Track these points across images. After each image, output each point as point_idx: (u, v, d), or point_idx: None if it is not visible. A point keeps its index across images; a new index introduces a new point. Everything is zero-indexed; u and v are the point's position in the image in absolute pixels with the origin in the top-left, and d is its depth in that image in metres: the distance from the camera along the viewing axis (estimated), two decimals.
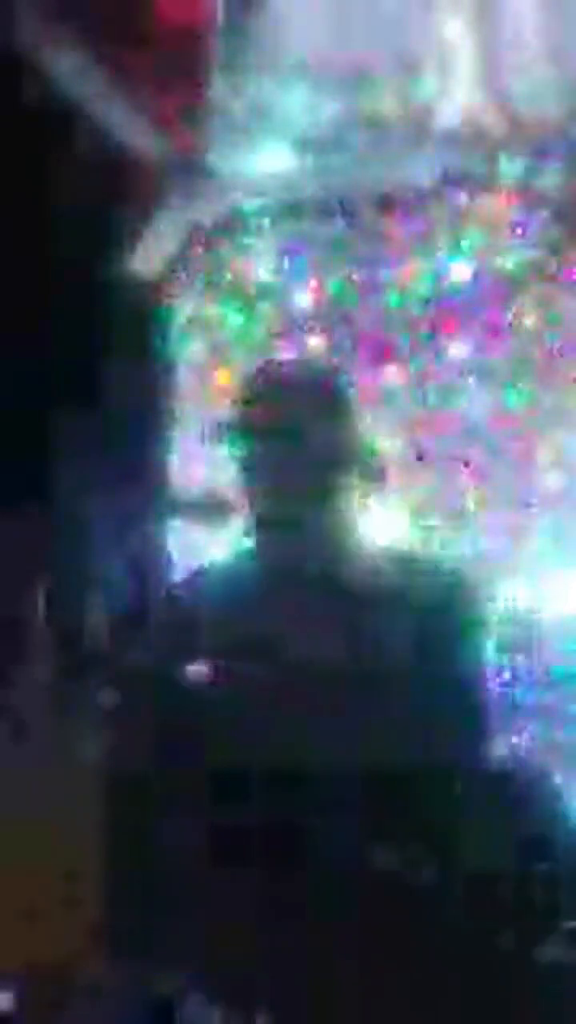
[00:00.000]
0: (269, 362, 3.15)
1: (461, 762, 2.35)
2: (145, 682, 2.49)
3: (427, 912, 2.23)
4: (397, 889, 2.25)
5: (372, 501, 2.54)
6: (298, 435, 2.45)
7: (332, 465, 2.48)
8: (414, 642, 2.42)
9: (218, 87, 3.50)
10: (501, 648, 3.01)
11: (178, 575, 3.51)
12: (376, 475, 2.54)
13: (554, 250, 3.44)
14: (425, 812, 2.26)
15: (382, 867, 2.25)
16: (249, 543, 2.54)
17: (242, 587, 2.52)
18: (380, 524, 2.69)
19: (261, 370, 2.65)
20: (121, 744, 2.42)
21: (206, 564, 2.77)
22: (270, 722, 2.33)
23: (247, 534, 2.54)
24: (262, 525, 2.50)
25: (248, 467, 2.49)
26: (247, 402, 2.52)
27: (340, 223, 3.51)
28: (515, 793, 2.34)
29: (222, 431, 2.56)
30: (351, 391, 2.54)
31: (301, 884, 2.24)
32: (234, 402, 2.53)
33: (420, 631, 2.43)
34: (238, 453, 2.50)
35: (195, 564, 2.87)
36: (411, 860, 2.25)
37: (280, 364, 3.03)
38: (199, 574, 2.69)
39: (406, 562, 2.55)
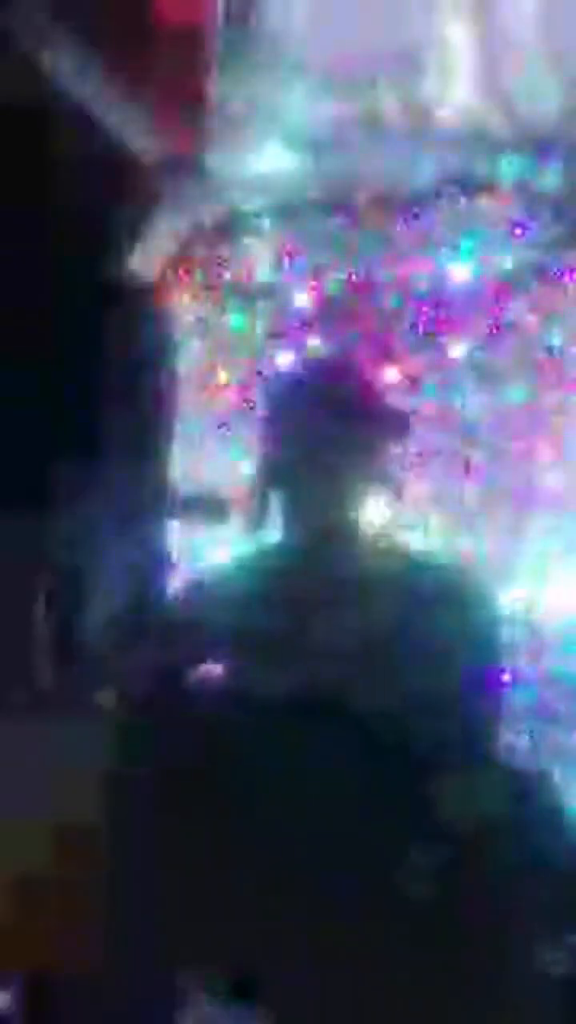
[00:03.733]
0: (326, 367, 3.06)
1: (472, 762, 2.37)
2: (159, 681, 2.52)
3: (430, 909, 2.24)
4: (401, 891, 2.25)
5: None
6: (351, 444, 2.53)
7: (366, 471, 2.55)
8: (436, 638, 2.47)
9: (218, 87, 3.50)
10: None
11: (179, 575, 3.52)
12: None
13: (554, 250, 3.44)
14: (435, 811, 2.27)
15: (388, 868, 2.26)
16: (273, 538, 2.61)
17: (271, 583, 2.57)
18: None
19: (319, 373, 2.72)
20: (120, 742, 2.42)
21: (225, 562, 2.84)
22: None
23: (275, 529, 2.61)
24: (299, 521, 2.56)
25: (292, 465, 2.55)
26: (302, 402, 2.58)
27: (340, 223, 3.50)
28: (516, 792, 2.34)
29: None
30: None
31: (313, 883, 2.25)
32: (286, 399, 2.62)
33: (442, 628, 2.48)
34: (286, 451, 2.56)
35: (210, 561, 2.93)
36: (418, 861, 2.25)
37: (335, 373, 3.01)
38: (219, 571, 2.74)
39: (426, 561, 2.63)
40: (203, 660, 2.57)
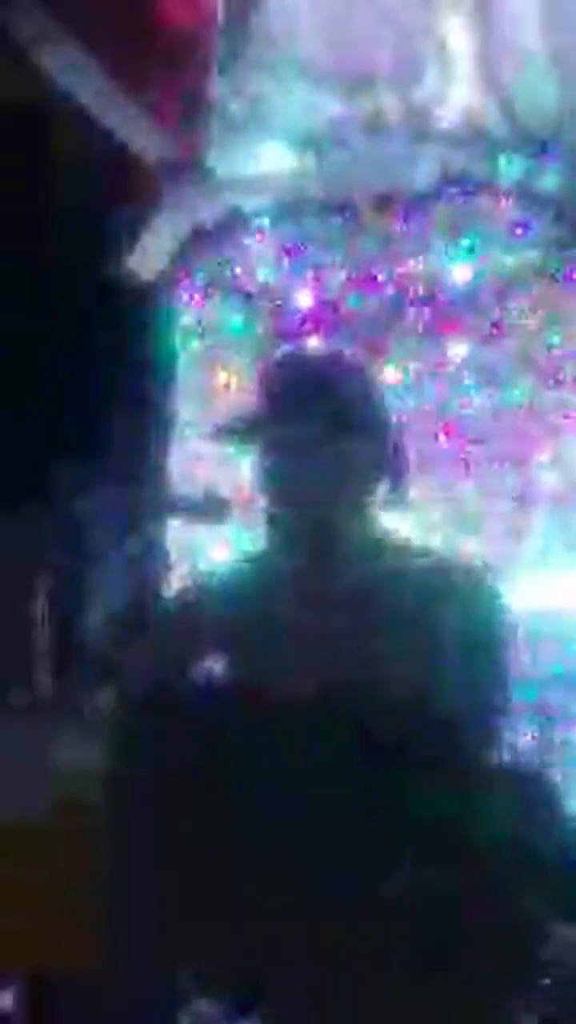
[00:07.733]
0: (294, 358, 2.74)
1: (475, 765, 2.37)
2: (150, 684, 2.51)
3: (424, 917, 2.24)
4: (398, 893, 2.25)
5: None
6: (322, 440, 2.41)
7: (354, 471, 2.45)
8: (434, 641, 2.45)
9: (218, 87, 3.50)
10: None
11: (178, 576, 3.53)
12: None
13: (554, 250, 3.45)
14: (434, 811, 2.27)
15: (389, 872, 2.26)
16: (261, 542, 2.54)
17: (255, 587, 2.55)
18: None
19: (286, 366, 2.55)
20: (120, 744, 2.42)
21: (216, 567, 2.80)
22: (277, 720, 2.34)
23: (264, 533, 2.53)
24: (281, 525, 2.50)
25: (270, 468, 2.46)
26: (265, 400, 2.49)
27: (340, 223, 3.51)
28: (516, 791, 2.34)
29: (234, 427, 2.55)
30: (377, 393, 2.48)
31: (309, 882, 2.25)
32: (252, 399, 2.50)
33: (440, 630, 2.45)
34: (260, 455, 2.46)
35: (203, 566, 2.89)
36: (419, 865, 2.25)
37: (305, 361, 2.68)
38: (209, 576, 2.72)
39: (424, 561, 2.55)
40: (204, 657, 2.56)
